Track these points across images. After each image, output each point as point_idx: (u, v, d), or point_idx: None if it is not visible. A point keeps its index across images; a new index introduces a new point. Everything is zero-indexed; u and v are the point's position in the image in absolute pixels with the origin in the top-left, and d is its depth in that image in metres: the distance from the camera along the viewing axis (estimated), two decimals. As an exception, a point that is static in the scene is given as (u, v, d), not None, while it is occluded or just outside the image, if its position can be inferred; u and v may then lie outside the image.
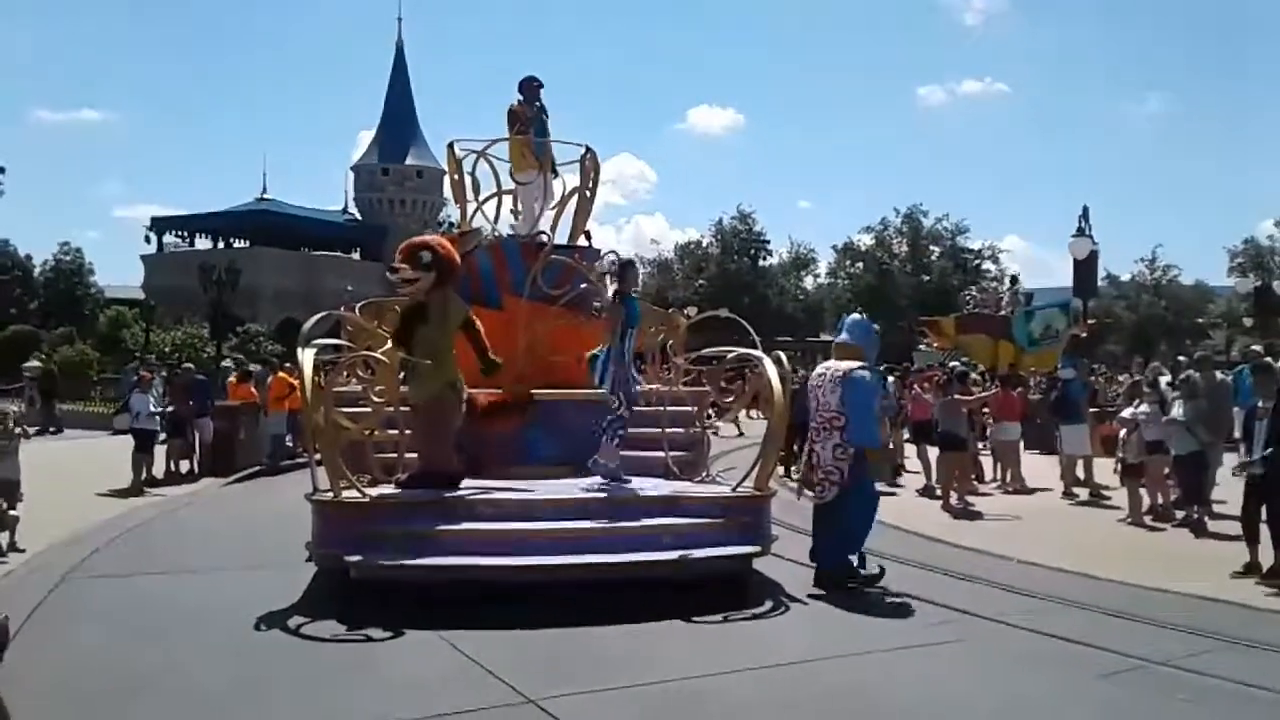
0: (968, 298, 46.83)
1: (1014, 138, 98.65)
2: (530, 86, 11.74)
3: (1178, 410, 11.30)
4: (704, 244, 60.48)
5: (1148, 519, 11.72)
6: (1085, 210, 25.04)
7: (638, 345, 11.25)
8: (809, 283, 61.75)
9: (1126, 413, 12.38)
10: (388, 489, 8.51)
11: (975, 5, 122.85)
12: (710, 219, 61.30)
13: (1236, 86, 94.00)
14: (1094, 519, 12.44)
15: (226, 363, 25.30)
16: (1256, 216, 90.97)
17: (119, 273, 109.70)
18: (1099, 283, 50.32)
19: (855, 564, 8.46)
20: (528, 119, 11.59)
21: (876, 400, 8.82)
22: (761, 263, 59.63)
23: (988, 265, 56.86)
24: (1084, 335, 24.70)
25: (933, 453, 14.80)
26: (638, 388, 9.26)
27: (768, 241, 59.98)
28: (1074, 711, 5.61)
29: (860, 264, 58.82)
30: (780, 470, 12.99)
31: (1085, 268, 25.55)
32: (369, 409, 8.81)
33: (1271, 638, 6.80)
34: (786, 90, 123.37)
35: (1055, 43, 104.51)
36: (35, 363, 30.51)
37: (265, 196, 68.23)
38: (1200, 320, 54.53)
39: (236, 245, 64.44)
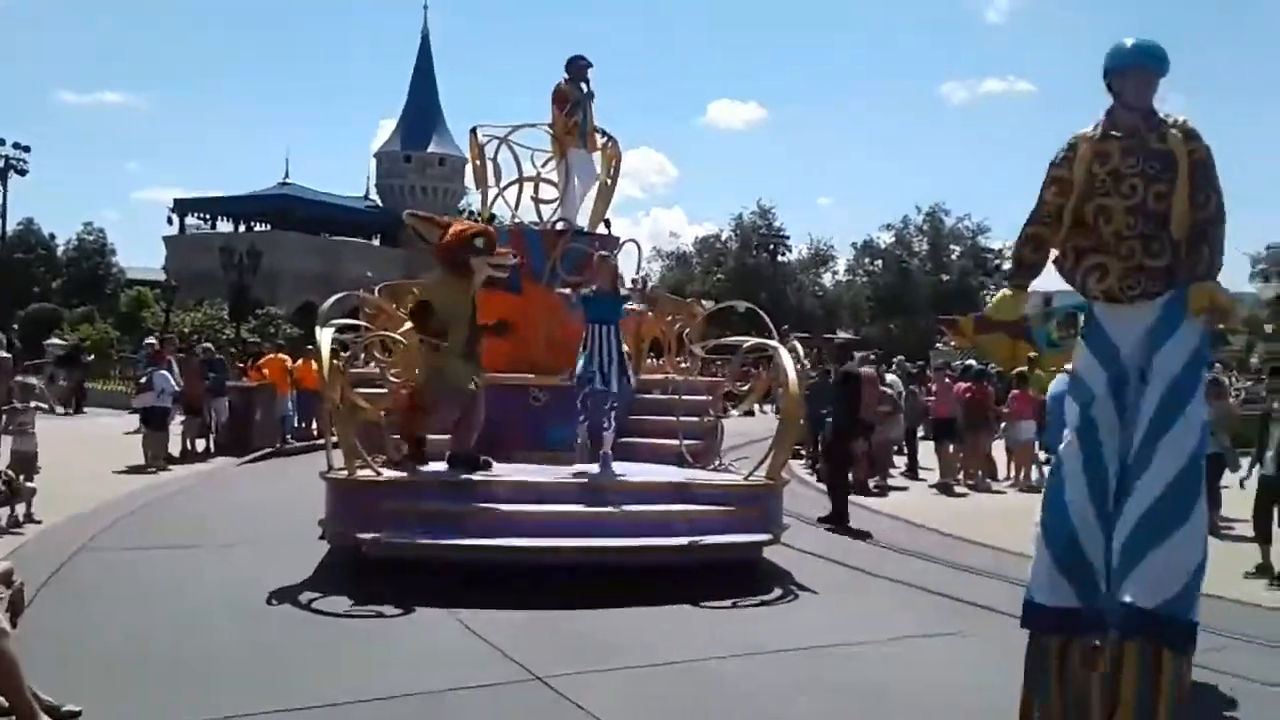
0: (987, 298, 46.67)
1: (1037, 137, 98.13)
2: (578, 66, 11.65)
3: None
4: (723, 238, 60.48)
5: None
6: (1106, 212, 24.90)
7: (651, 334, 11.35)
8: (827, 280, 61.69)
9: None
10: (435, 466, 8.56)
11: (998, 3, 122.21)
12: (729, 213, 61.48)
13: (1262, 85, 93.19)
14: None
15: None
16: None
17: (137, 254, 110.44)
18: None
19: None
20: (575, 100, 11.53)
21: None
22: (780, 259, 59.53)
23: (1008, 266, 56.55)
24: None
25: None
26: (609, 384, 8.89)
27: (787, 237, 59.99)
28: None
29: (880, 262, 58.70)
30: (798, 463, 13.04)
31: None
32: (385, 390, 8.86)
33: (1281, 637, 6.79)
34: (808, 85, 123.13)
35: (1079, 41, 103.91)
36: (58, 340, 30.80)
37: (287, 181, 68.54)
38: (1221, 326, 54.07)
39: (258, 229, 64.69)
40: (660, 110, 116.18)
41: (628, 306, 9.35)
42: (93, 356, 29.65)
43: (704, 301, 13.58)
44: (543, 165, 12.01)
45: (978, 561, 9.37)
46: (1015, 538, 10.34)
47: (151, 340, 18.33)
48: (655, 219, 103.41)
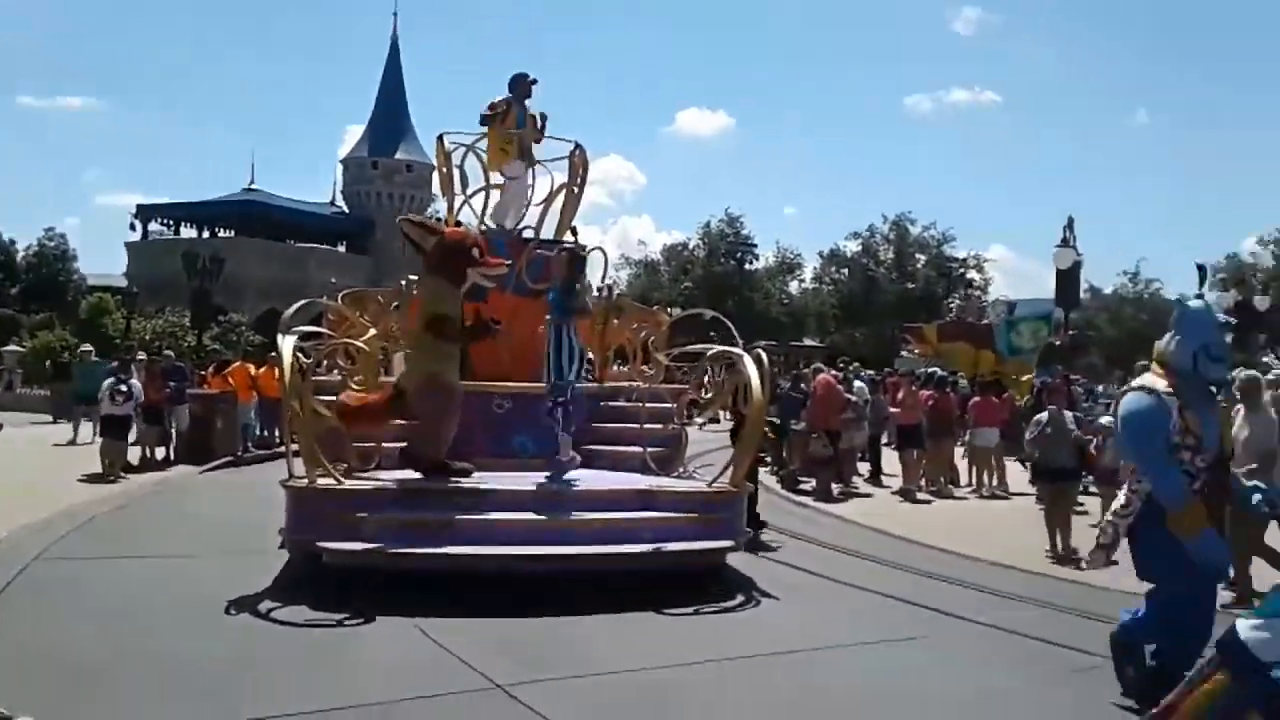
0: (951, 306, 47.17)
1: (1002, 148, 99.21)
2: (522, 84, 11.67)
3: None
4: (690, 246, 60.58)
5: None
6: (1070, 221, 25.25)
7: (616, 341, 11.40)
8: (794, 288, 61.91)
9: (1104, 420, 12.47)
10: (394, 475, 8.52)
11: (966, 14, 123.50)
12: (697, 222, 61.52)
13: (1223, 103, 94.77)
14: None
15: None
16: (1239, 234, 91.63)
17: (99, 260, 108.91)
18: (1082, 295, 50.70)
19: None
20: (504, 114, 11.52)
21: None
22: (747, 267, 59.75)
23: (972, 274, 57.25)
24: (1059, 344, 24.91)
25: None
26: (569, 378, 9.06)
27: (754, 245, 60.17)
28: (1040, 705, 5.69)
29: (846, 270, 59.06)
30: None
31: (1067, 278, 25.73)
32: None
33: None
34: (776, 95, 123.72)
35: (1046, 54, 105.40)
36: (14, 347, 30.37)
37: (253, 187, 67.91)
38: (1181, 335, 54.87)
39: (222, 235, 64.04)
40: (629, 118, 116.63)
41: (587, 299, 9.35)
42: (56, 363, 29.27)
43: (670, 309, 13.61)
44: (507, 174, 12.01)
45: (939, 567, 9.46)
46: (976, 544, 10.50)
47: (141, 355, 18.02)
48: (624, 227, 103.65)
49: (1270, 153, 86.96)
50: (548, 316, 9.17)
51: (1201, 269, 6.34)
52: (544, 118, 11.74)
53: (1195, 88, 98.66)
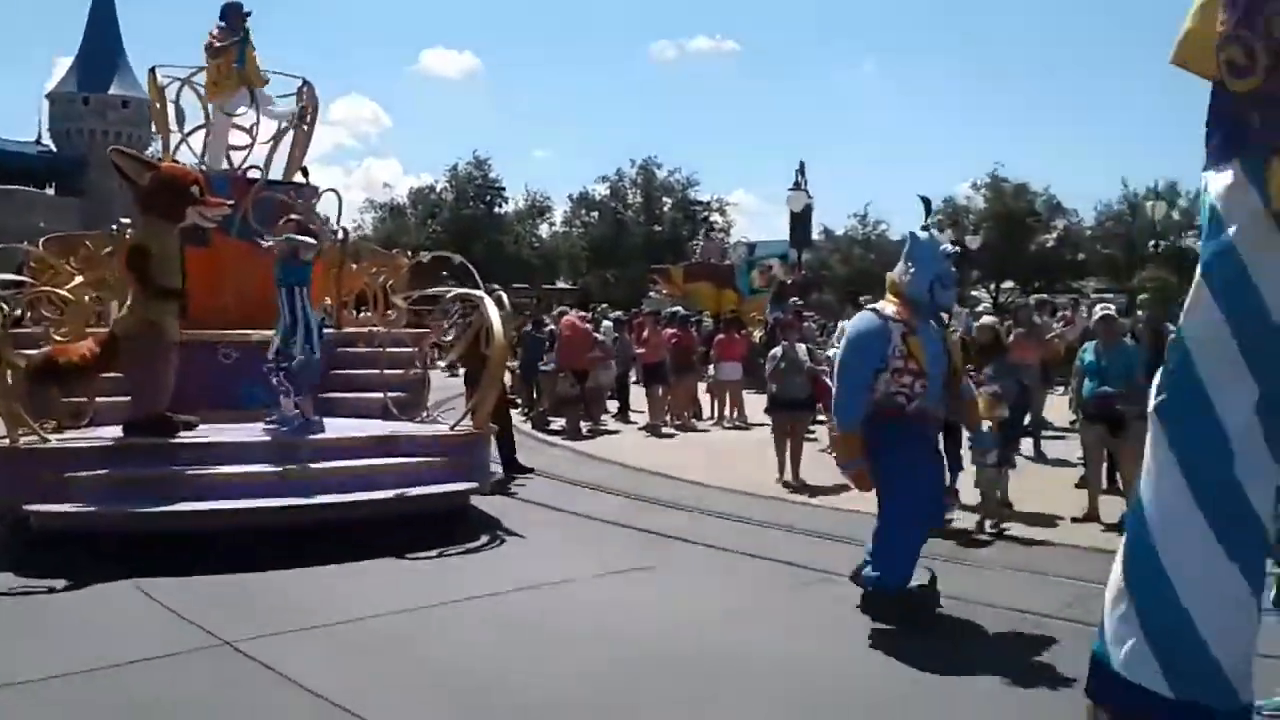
0: (695, 248, 48.57)
1: (742, 95, 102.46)
2: (236, 14, 11.03)
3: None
4: (438, 190, 59.40)
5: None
6: (801, 165, 26.56)
7: (354, 287, 11.10)
8: (544, 231, 61.96)
9: (831, 352, 13.23)
10: (106, 432, 7.93)
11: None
12: (446, 165, 60.21)
13: (946, 54, 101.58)
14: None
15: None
16: (956, 178, 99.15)
17: None
18: (816, 236, 53.34)
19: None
20: (224, 47, 10.89)
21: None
22: (497, 210, 59.24)
23: (715, 217, 59.16)
24: (789, 283, 26.24)
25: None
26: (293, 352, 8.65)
27: (503, 189, 59.61)
28: (764, 617, 6.03)
29: (596, 213, 59.63)
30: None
31: (800, 220, 27.11)
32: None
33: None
34: (523, 37, 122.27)
35: (781, 4, 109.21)
36: None
37: (-57, 123, 61.01)
38: (904, 272, 58.91)
39: (-93, 177, 57.36)
40: (371, 57, 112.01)
41: (308, 242, 8.88)
42: None
43: (420, 255, 13.36)
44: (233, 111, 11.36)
45: (680, 497, 9.83)
46: (717, 474, 10.96)
47: None
48: (369, 169, 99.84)
49: (980, 103, 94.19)
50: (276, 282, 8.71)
51: (926, 201, 6.82)
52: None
53: (917, 38, 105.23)
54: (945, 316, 6.22)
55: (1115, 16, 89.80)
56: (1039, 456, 11.42)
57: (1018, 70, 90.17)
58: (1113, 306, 10.14)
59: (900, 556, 5.74)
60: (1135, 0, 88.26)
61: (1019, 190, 52.64)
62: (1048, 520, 8.48)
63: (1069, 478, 9.91)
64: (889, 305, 5.85)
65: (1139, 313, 14.30)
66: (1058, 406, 13.34)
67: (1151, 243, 43.87)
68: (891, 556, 5.74)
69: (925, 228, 6.26)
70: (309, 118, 11.75)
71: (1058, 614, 5.88)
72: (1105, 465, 9.17)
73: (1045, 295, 27.61)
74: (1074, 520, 8.51)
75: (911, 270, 5.82)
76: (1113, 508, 8.36)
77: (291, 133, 11.66)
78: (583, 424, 14.93)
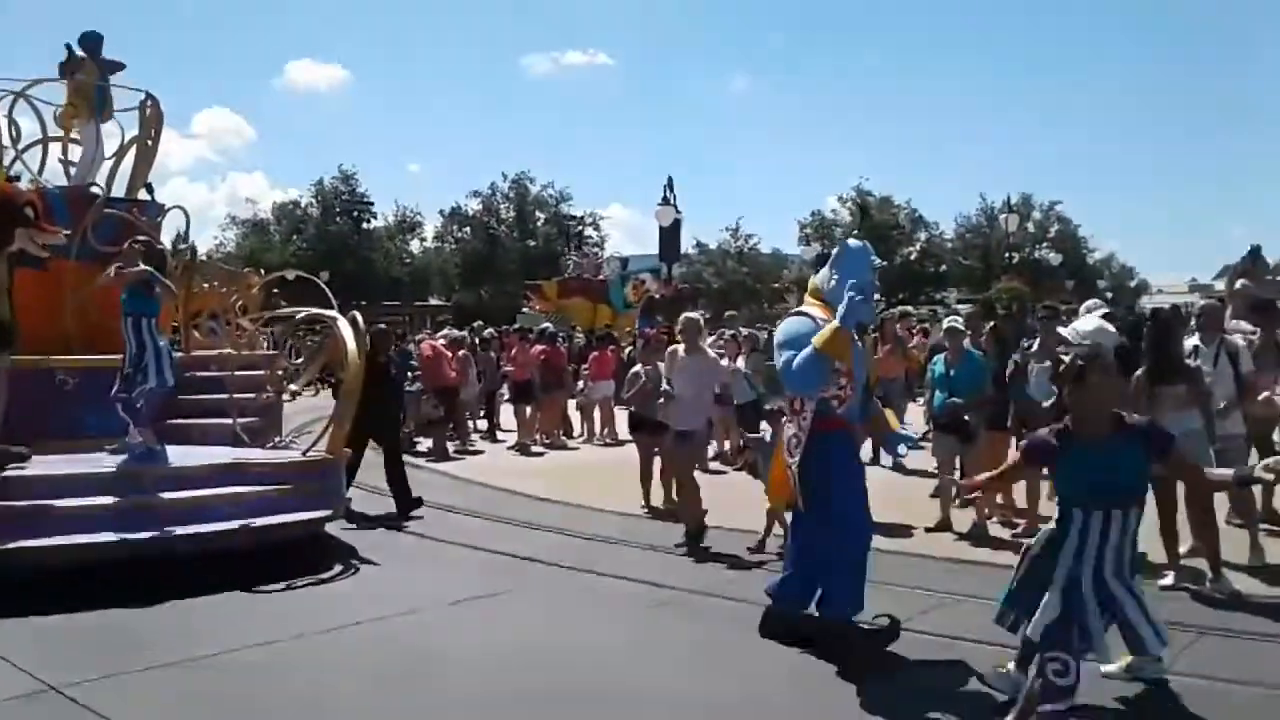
0: (569, 263, 48.61)
1: (616, 109, 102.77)
2: (87, 47, 10.89)
3: (741, 362, 12.40)
4: (303, 204, 57.96)
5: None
6: (670, 180, 26.71)
7: (204, 307, 10.73)
8: (415, 247, 61.08)
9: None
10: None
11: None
12: (314, 179, 58.72)
13: (814, 72, 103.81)
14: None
15: None
16: (823, 192, 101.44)
17: None
18: (689, 249, 53.88)
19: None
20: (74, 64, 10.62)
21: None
22: (365, 225, 58.10)
23: (590, 232, 59.32)
24: (659, 297, 26.45)
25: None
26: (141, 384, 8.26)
27: (371, 204, 58.46)
28: (624, 637, 6.04)
29: (468, 229, 59.11)
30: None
31: (670, 235, 27.30)
32: None
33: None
34: (391, 50, 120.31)
35: (657, 17, 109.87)
36: None
37: None
38: (776, 285, 60.10)
39: None
40: (234, 69, 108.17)
41: (169, 287, 8.52)
42: None
43: (286, 273, 13.02)
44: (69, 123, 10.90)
45: (543, 518, 9.76)
46: (584, 493, 10.91)
47: None
48: (234, 184, 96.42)
49: (849, 118, 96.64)
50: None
51: (863, 207, 6.80)
52: (116, 66, 10.88)
53: (783, 56, 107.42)
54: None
55: (977, 34, 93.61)
56: (898, 468, 11.69)
57: (885, 87, 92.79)
58: (960, 319, 10.51)
59: (856, 580, 5.72)
60: (994, 19, 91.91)
61: (883, 203, 54.29)
62: (903, 530, 8.69)
63: (926, 487, 10.17)
64: (814, 308, 5.93)
65: (991, 323, 14.83)
66: (915, 414, 13.71)
67: (1007, 254, 45.72)
68: (846, 585, 5.66)
69: (858, 236, 6.27)
70: (153, 133, 11.33)
71: (909, 626, 5.98)
72: (957, 475, 9.46)
73: (909, 307, 28.40)
74: (928, 530, 8.75)
75: (835, 278, 5.90)
76: (964, 518, 8.64)
77: (134, 148, 11.22)
78: (450, 445, 14.74)
